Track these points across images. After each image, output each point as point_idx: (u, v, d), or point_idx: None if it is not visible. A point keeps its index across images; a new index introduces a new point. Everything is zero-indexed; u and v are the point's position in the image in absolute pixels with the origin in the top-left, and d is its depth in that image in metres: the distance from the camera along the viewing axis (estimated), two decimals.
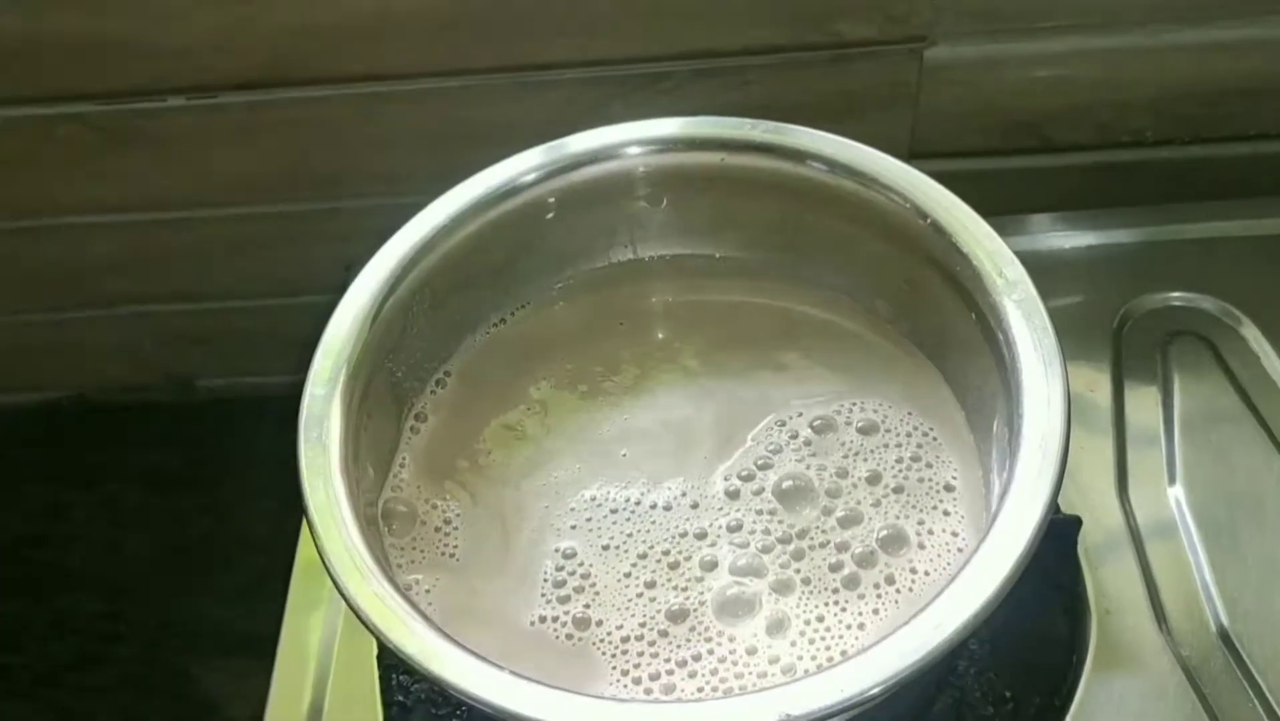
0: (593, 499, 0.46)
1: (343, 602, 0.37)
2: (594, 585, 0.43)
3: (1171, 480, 0.54)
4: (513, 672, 0.35)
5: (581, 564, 0.44)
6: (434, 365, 0.50)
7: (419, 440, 0.48)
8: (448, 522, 0.46)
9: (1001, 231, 0.44)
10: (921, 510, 0.44)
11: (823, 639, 0.41)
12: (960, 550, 0.43)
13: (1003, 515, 0.37)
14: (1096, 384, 0.57)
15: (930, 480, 0.45)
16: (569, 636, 0.42)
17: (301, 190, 0.72)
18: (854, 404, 0.48)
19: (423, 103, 0.66)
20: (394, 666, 0.50)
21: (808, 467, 0.46)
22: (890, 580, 0.43)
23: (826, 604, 0.42)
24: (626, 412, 0.49)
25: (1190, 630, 0.49)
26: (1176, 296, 0.60)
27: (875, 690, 0.34)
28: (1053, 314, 0.41)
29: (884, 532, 0.44)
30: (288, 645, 0.53)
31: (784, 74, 0.64)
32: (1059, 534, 0.49)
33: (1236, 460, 0.54)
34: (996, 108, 0.66)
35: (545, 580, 0.44)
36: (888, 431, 0.47)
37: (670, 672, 0.41)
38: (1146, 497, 0.53)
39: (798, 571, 0.43)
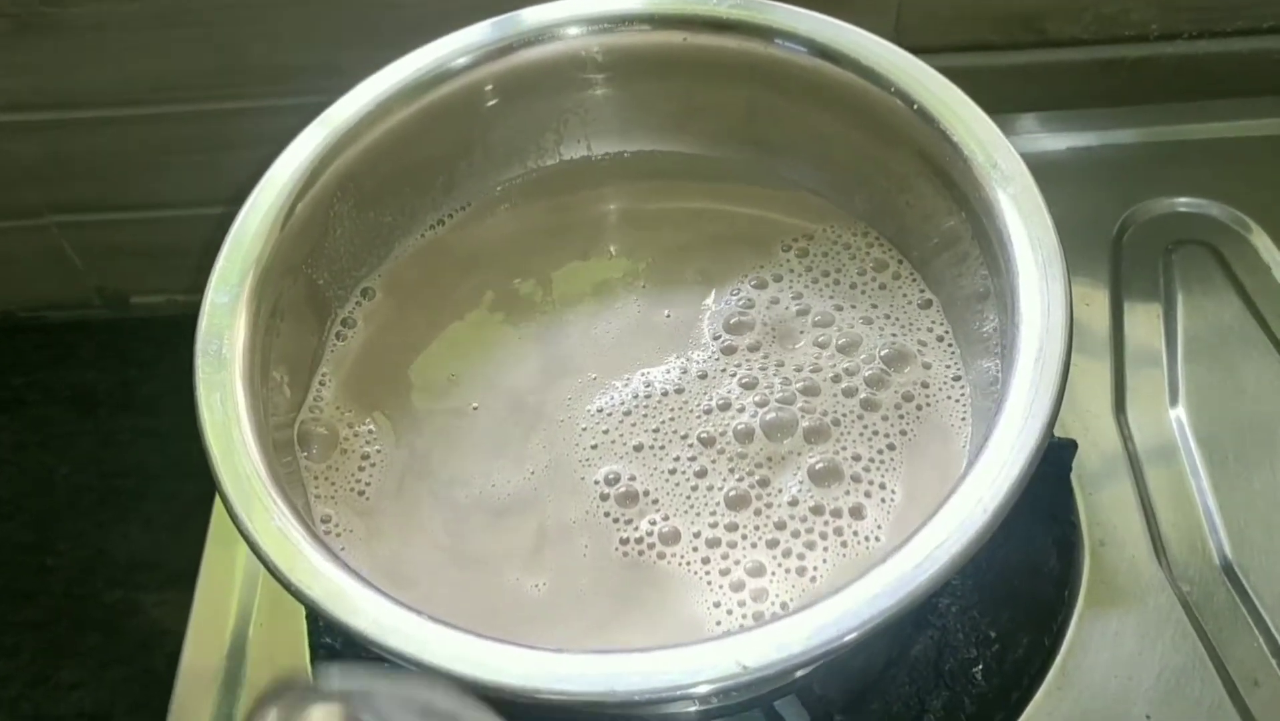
0: (600, 410, 0.41)
1: None
2: (648, 494, 0.39)
3: (1173, 401, 0.50)
4: (431, 618, 0.30)
5: (623, 476, 0.40)
6: (362, 271, 0.45)
7: (345, 353, 0.43)
8: (365, 458, 0.41)
9: None
10: (917, 330, 0.42)
11: (869, 473, 0.39)
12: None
13: (994, 438, 0.32)
14: (1094, 296, 0.52)
15: (904, 292, 0.43)
16: (660, 556, 0.38)
17: (234, 86, 0.67)
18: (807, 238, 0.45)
19: None
20: None
21: (785, 307, 0.43)
22: (908, 397, 0.41)
23: (860, 434, 0.40)
24: (587, 316, 0.44)
25: (1191, 563, 0.46)
26: (1181, 202, 0.55)
27: (850, 636, 0.30)
28: None
29: (885, 351, 0.41)
30: (208, 580, 0.49)
31: None
32: (1052, 459, 0.45)
33: (1244, 379, 0.50)
34: None
35: (598, 505, 0.39)
36: (845, 252, 0.45)
37: (759, 571, 0.37)
38: (1146, 420, 0.49)
39: (824, 414, 0.40)
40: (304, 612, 0.46)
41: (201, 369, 0.36)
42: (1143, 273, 0.54)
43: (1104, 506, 0.47)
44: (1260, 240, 0.54)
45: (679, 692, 0.29)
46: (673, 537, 0.38)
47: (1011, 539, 0.45)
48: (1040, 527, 0.45)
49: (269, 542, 0.32)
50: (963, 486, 0.32)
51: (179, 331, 0.80)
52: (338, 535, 0.39)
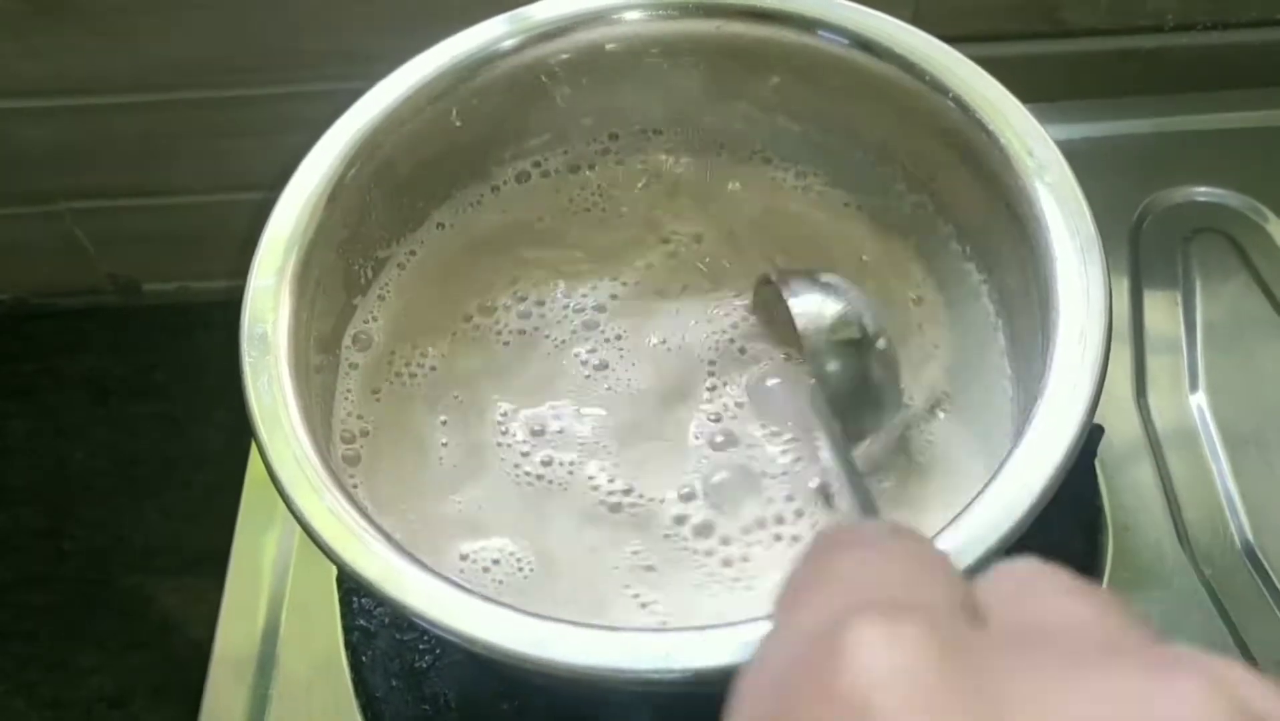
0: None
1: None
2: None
3: (1193, 387, 0.50)
4: (483, 597, 0.31)
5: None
6: (391, 251, 0.44)
7: (376, 331, 0.43)
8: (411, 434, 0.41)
9: None
10: None
11: None
12: None
13: (1035, 423, 0.33)
14: (1113, 284, 0.52)
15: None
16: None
17: (251, 73, 0.66)
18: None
19: None
20: (355, 589, 0.46)
21: None
22: None
23: None
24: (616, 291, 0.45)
25: (1213, 546, 0.46)
26: (1199, 191, 0.56)
27: None
28: None
29: None
30: (239, 566, 0.49)
31: None
32: None
33: (1262, 365, 0.51)
34: None
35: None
36: None
37: None
38: (1167, 406, 0.50)
39: None
40: (337, 597, 0.47)
41: (248, 352, 0.36)
42: (1161, 261, 0.54)
43: (1126, 490, 0.47)
44: (1277, 228, 0.54)
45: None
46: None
47: (1037, 521, 0.46)
48: (1065, 512, 0.46)
49: (322, 524, 0.32)
50: (1004, 470, 0.32)
51: (190, 319, 0.80)
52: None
